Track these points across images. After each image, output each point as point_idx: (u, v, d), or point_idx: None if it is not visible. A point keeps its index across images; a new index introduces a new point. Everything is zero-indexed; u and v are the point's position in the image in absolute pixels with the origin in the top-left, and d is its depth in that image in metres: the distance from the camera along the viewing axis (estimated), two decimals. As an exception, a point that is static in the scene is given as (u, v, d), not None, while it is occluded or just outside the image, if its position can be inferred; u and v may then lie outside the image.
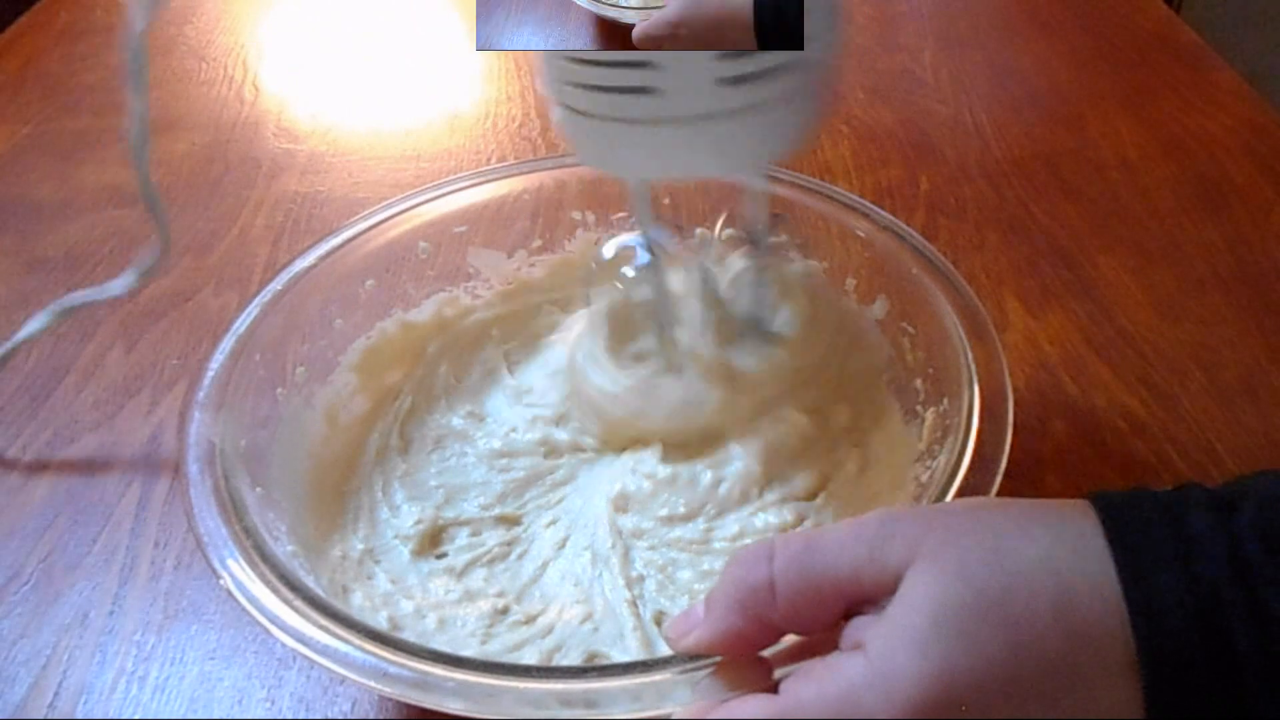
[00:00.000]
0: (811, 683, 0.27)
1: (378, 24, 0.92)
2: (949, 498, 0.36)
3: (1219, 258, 0.60)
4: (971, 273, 0.60)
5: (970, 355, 0.42)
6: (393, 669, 0.32)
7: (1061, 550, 0.27)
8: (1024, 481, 0.48)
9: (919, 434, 0.44)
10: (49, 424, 0.53)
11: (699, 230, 0.52)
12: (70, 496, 0.49)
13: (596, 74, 0.35)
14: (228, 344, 0.44)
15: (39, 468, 0.51)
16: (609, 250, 0.45)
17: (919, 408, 0.45)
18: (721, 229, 0.48)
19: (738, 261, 0.47)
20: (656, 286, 0.45)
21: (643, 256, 0.44)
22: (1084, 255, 0.61)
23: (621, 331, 0.47)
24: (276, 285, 0.47)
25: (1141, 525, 0.27)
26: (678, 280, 0.46)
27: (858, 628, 0.28)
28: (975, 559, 0.27)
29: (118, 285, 0.50)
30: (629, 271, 0.45)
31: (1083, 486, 0.47)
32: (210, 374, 0.43)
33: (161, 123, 0.77)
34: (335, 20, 0.93)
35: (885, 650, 0.26)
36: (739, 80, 0.34)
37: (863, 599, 0.28)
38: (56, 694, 0.41)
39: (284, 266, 0.48)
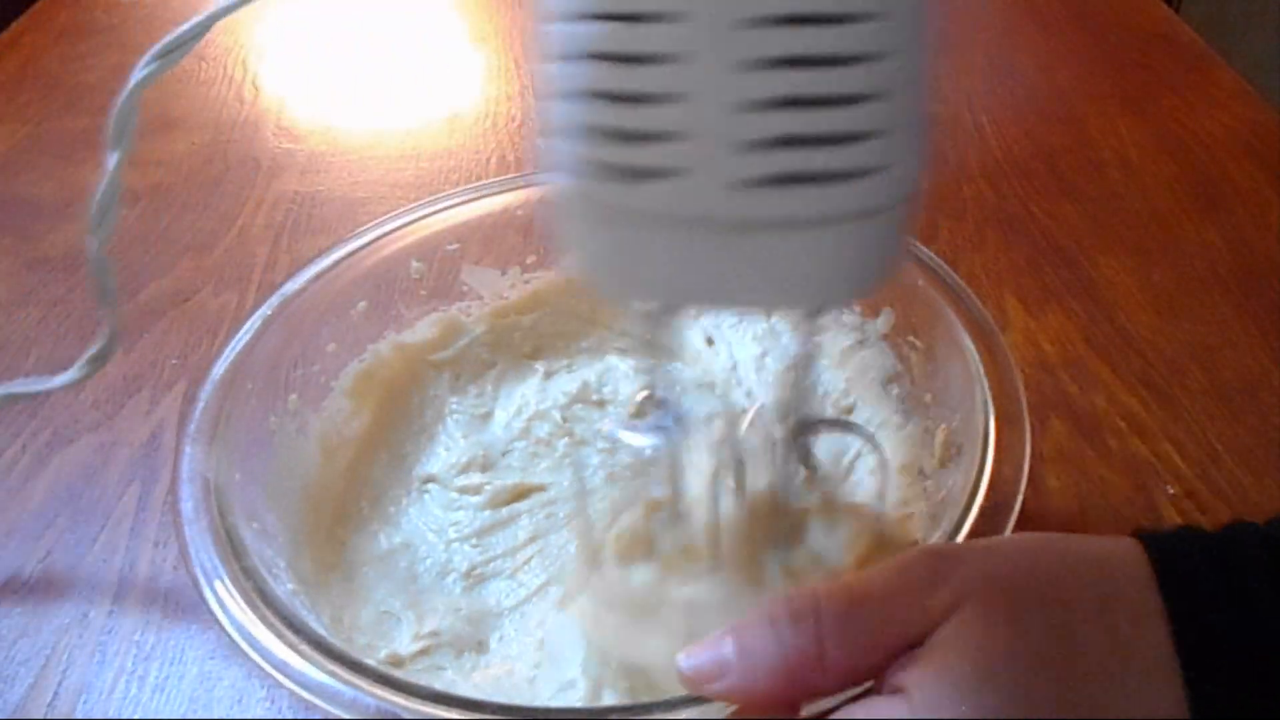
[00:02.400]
0: None
1: (378, 24, 0.92)
2: (971, 517, 0.36)
3: (1219, 258, 0.60)
4: (971, 273, 0.60)
5: (982, 369, 0.41)
6: (405, 715, 0.31)
7: (1116, 601, 0.26)
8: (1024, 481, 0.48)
9: (931, 449, 0.44)
10: (49, 424, 0.53)
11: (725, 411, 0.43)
12: (70, 496, 0.49)
13: (601, 146, 0.25)
14: (218, 371, 0.43)
15: (39, 468, 0.51)
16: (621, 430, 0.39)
17: (929, 423, 0.45)
18: (753, 418, 0.39)
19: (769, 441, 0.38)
20: (674, 478, 0.37)
21: (658, 438, 0.36)
22: (1084, 255, 0.61)
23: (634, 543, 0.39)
24: (266, 310, 0.46)
25: (1193, 574, 0.26)
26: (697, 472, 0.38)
27: (897, 668, 0.27)
28: (1027, 606, 0.26)
29: (63, 378, 0.47)
30: (645, 450, 0.37)
31: (1083, 486, 0.47)
32: (200, 405, 0.41)
33: (161, 122, 0.77)
34: (335, 20, 0.93)
35: (931, 698, 0.25)
36: (782, 181, 0.24)
37: (911, 644, 0.27)
38: (56, 693, 0.41)
39: (275, 289, 0.47)
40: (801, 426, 0.35)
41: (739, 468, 0.37)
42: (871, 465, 0.46)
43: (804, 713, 0.28)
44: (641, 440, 0.37)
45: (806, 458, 0.37)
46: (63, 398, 0.54)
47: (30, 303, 0.61)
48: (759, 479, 0.38)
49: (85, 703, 0.41)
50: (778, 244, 0.25)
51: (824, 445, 0.47)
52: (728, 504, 0.37)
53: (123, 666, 0.42)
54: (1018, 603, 0.26)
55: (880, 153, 0.25)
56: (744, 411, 0.39)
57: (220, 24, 0.42)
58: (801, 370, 0.35)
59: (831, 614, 0.27)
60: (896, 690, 0.26)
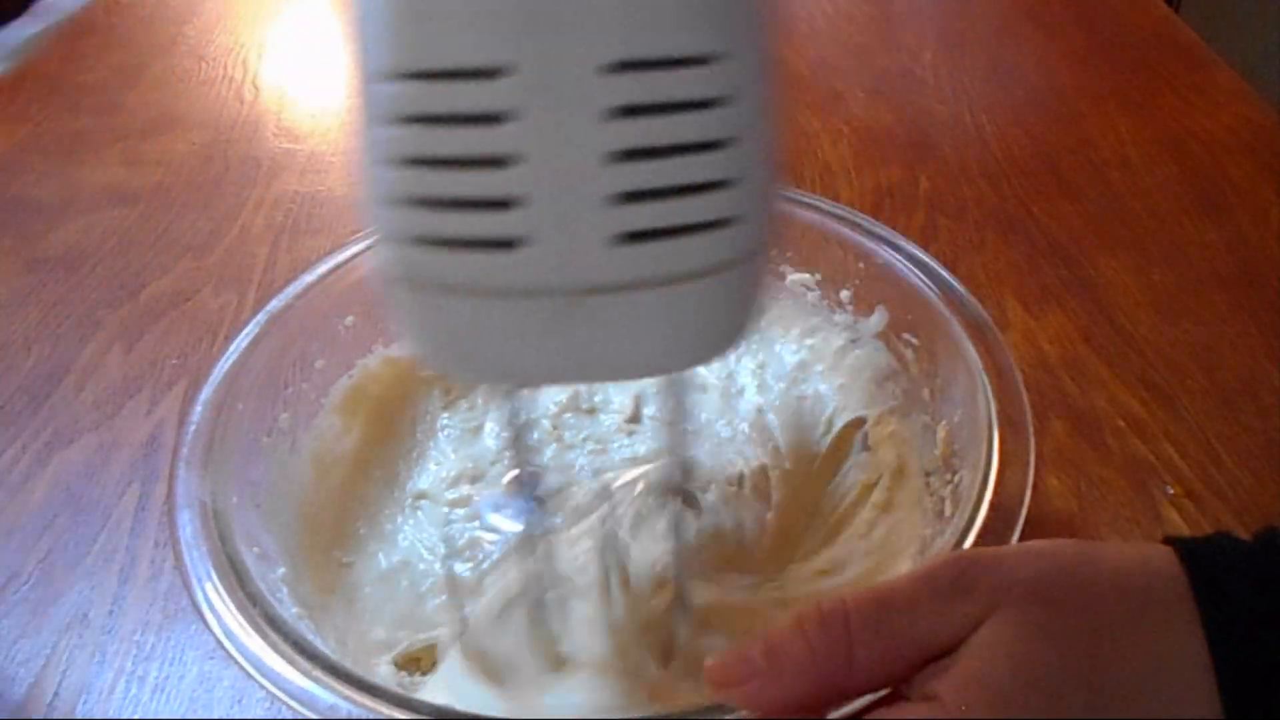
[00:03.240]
0: None
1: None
2: (981, 513, 0.35)
3: (1219, 258, 0.60)
4: (971, 273, 0.60)
5: (980, 364, 0.41)
6: None
7: (1150, 609, 0.26)
8: (1024, 481, 0.48)
9: (932, 447, 0.44)
10: (49, 424, 0.53)
11: (603, 478, 0.43)
12: (70, 496, 0.49)
13: (434, 218, 0.23)
14: (206, 393, 0.42)
15: (39, 468, 0.51)
16: (489, 514, 0.38)
17: (928, 419, 0.45)
18: (637, 488, 0.39)
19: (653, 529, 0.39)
20: (542, 563, 0.35)
21: (521, 517, 0.34)
22: (1084, 255, 0.61)
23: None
24: (254, 328, 0.45)
25: (1230, 584, 0.26)
26: (568, 552, 0.38)
27: (929, 675, 0.27)
28: (1060, 614, 0.26)
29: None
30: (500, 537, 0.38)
31: (1082, 486, 0.47)
32: (192, 428, 0.41)
33: (161, 122, 0.77)
34: (335, 20, 0.93)
35: (963, 703, 0.25)
36: (640, 237, 0.23)
37: (940, 652, 0.27)
38: (56, 694, 0.41)
39: (260, 307, 0.46)
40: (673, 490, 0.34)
41: (619, 555, 0.36)
42: (864, 461, 0.46)
43: (834, 714, 0.28)
44: (509, 525, 0.36)
45: (692, 502, 0.36)
46: (63, 397, 0.54)
47: (30, 303, 0.61)
48: (645, 553, 0.38)
49: (85, 703, 0.41)
50: (634, 306, 0.23)
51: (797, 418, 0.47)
52: (608, 599, 0.37)
53: (123, 666, 0.42)
54: (1050, 610, 0.26)
55: (738, 202, 0.23)
56: (615, 482, 0.39)
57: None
58: (675, 417, 0.33)
59: (860, 617, 0.27)
60: (929, 697, 0.26)
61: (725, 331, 0.26)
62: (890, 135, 0.73)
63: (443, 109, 0.22)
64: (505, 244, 0.22)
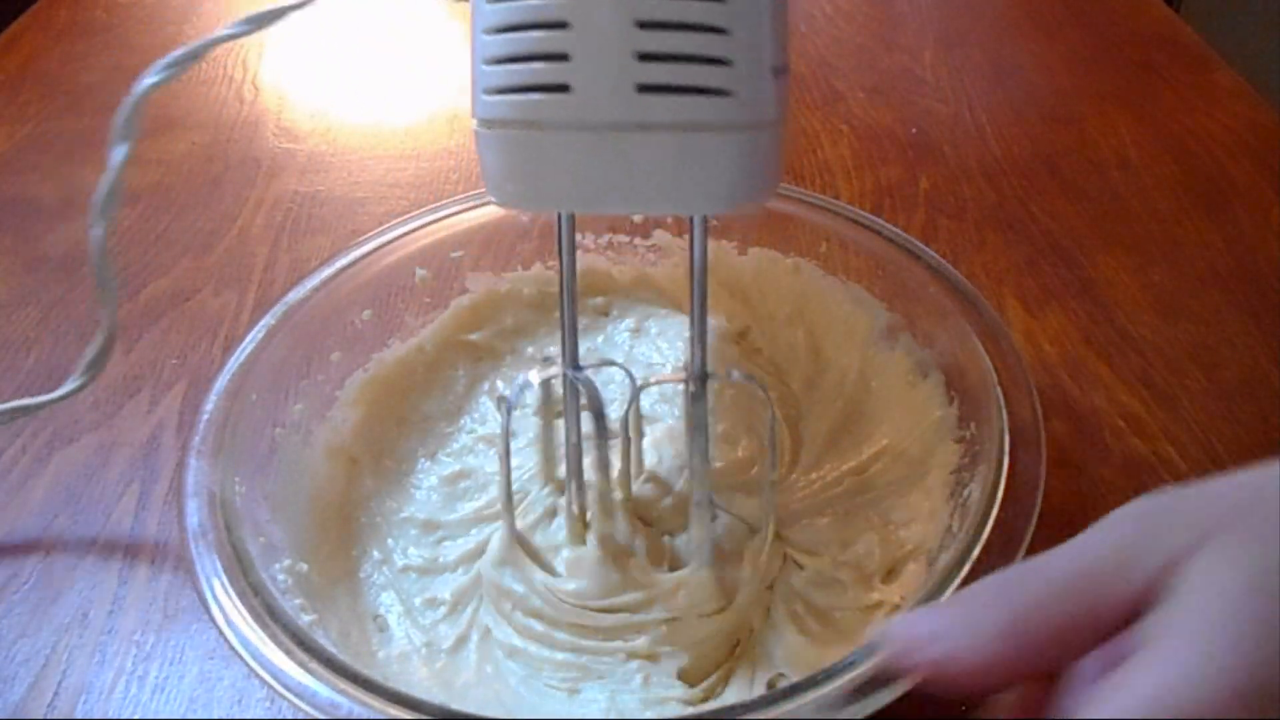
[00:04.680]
0: (1112, 698, 0.22)
1: (378, 24, 0.92)
2: (986, 529, 0.35)
3: (1219, 258, 0.60)
4: (971, 273, 0.60)
5: (996, 378, 0.41)
6: None
7: None
8: (1024, 481, 0.47)
9: (946, 459, 0.43)
10: (49, 424, 0.53)
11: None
12: (70, 496, 0.49)
13: (508, 71, 0.32)
14: (222, 383, 0.42)
15: (39, 468, 0.51)
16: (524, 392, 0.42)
17: (942, 432, 0.44)
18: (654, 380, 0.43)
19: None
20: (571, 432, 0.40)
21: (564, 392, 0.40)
22: (1084, 255, 0.61)
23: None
24: (270, 319, 0.45)
25: None
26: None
27: (1127, 634, 0.24)
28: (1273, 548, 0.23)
29: (63, 388, 0.46)
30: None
31: (1082, 487, 0.47)
32: (205, 417, 0.41)
33: (161, 122, 0.77)
34: (335, 20, 0.93)
35: (1194, 634, 0.22)
36: (655, 89, 0.31)
37: (1128, 613, 0.24)
38: (56, 694, 0.41)
39: (275, 291, 0.46)
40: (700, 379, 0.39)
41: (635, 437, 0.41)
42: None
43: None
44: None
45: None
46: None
47: (30, 303, 0.61)
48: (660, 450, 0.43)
49: (85, 703, 0.41)
50: (653, 145, 0.32)
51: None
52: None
53: (123, 666, 0.42)
54: (1262, 546, 0.23)
55: (724, 78, 0.31)
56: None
57: (220, 24, 0.43)
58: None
59: (1051, 576, 0.25)
60: (1121, 657, 0.23)
61: (727, 186, 0.33)
62: (890, 135, 0.73)
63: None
64: (560, 88, 0.31)
